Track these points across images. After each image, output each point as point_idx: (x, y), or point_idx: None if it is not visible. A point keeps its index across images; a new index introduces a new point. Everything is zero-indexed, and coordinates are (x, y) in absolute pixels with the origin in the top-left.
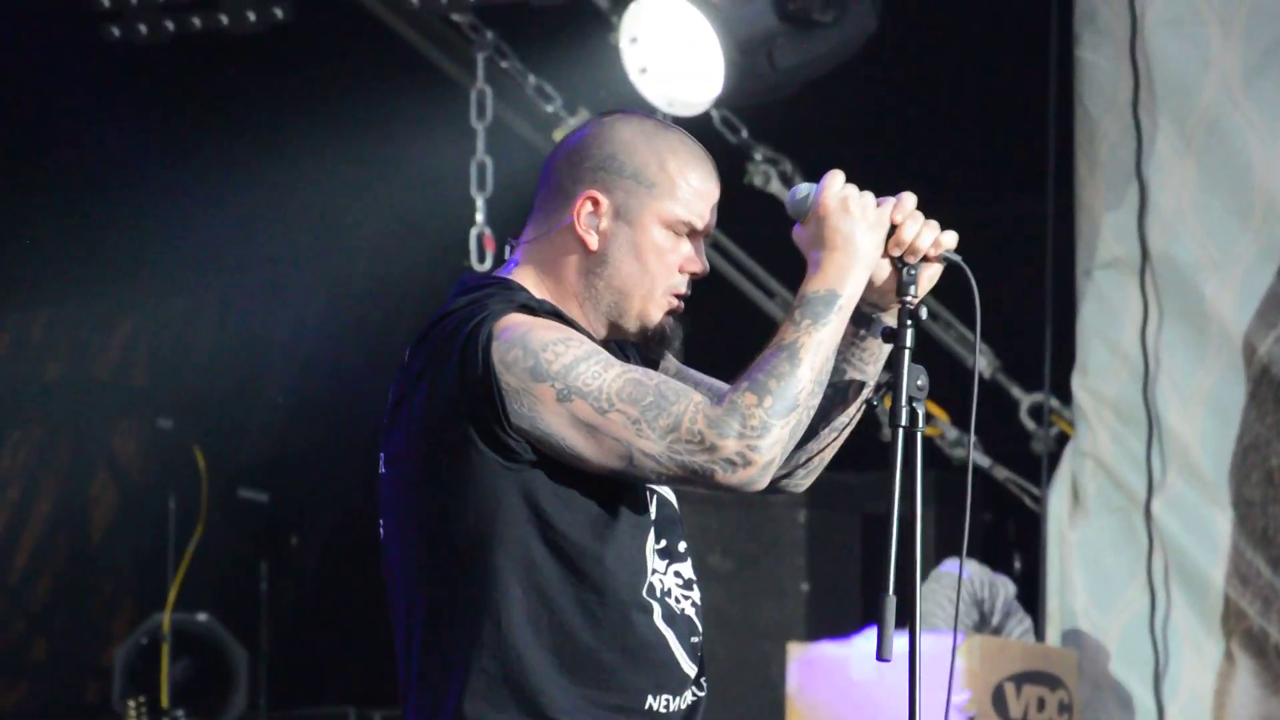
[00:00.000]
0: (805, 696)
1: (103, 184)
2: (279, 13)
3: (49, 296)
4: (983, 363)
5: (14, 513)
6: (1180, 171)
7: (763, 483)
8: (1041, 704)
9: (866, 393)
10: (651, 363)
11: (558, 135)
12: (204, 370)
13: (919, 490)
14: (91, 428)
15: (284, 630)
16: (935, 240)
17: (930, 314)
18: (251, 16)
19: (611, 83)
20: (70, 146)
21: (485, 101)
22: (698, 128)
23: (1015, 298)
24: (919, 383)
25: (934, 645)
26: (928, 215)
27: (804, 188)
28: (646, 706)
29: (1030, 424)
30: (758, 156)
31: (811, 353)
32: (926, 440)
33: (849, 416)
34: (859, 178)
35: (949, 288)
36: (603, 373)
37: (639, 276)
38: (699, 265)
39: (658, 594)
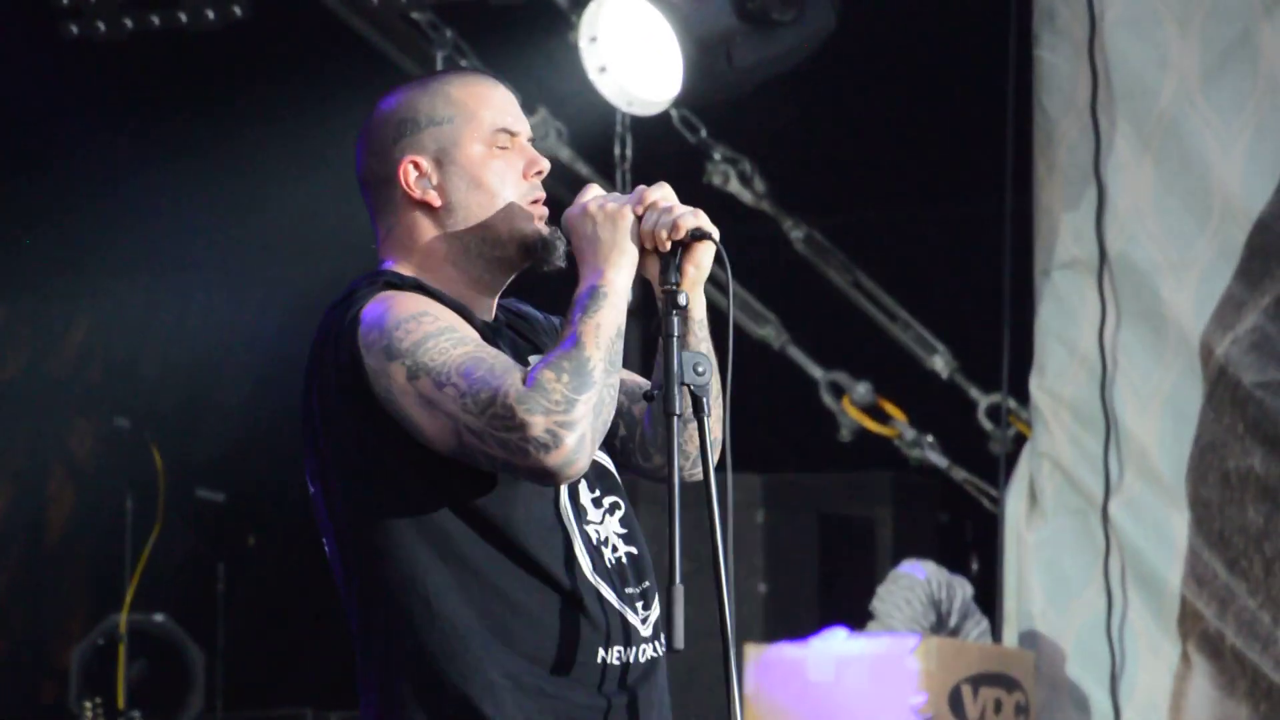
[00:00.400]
0: (763, 698)
1: (59, 181)
2: (237, 10)
3: (3, 294)
4: (939, 363)
5: None
6: (1138, 173)
7: (580, 464)
8: (999, 705)
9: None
10: (544, 274)
11: None
12: (161, 369)
13: (714, 481)
14: (48, 426)
15: (241, 631)
16: (674, 224)
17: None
18: (210, 14)
19: (570, 81)
20: (27, 143)
21: None
22: (657, 127)
23: (973, 298)
24: (698, 369)
25: (893, 646)
26: (887, 215)
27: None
28: (599, 659)
29: (988, 425)
30: (717, 156)
31: (592, 336)
32: (883, 441)
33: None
34: (817, 176)
35: (908, 287)
36: (451, 349)
37: (490, 200)
38: (539, 162)
39: (594, 543)
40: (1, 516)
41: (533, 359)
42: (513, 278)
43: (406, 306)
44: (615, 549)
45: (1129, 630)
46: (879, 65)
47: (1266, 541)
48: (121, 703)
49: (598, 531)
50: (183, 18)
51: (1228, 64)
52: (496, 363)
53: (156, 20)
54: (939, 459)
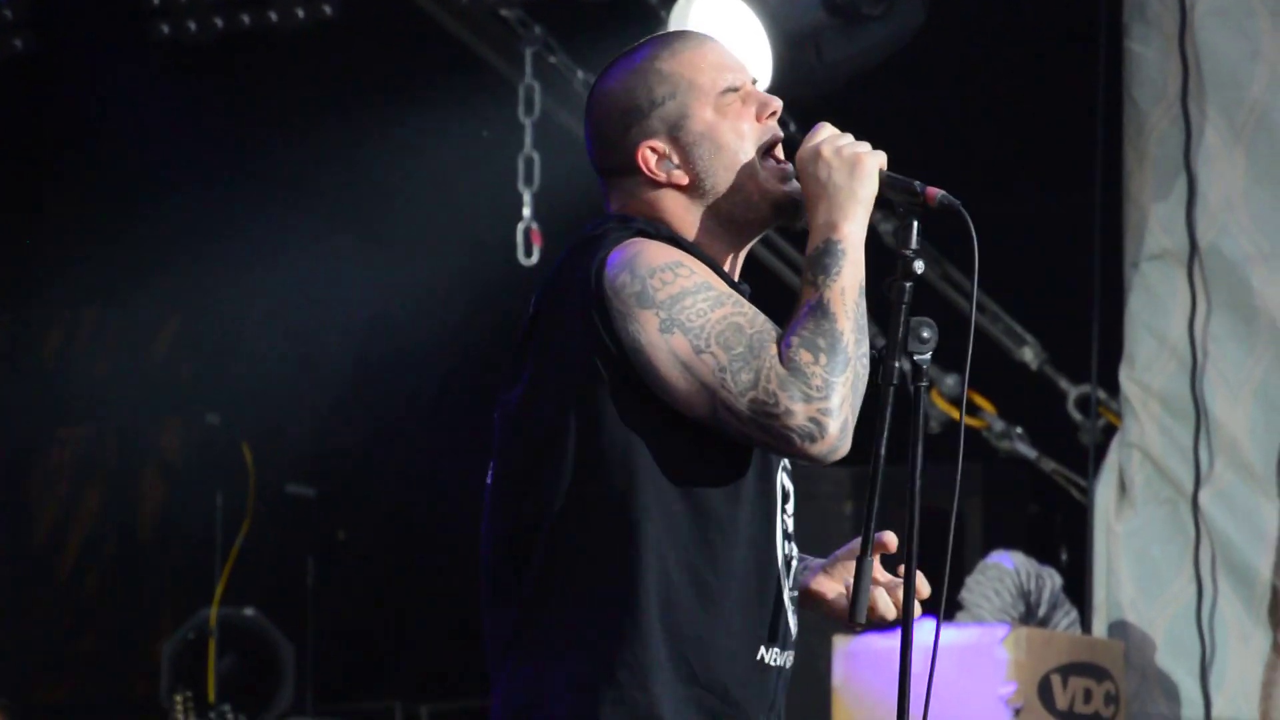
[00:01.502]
0: (852, 688)
1: (152, 181)
2: (327, 9)
3: (98, 293)
4: (1028, 354)
5: (63, 508)
6: (1229, 164)
7: (844, 449)
8: (1088, 695)
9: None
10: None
11: None
12: (251, 366)
13: (920, 448)
14: (139, 423)
15: (330, 625)
16: (926, 190)
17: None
18: (300, 13)
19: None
20: (120, 143)
21: (533, 96)
22: None
23: (1063, 290)
24: (923, 335)
25: (981, 637)
26: (977, 207)
27: None
28: (759, 656)
29: (1077, 415)
30: None
31: (839, 303)
32: (973, 433)
33: None
34: (906, 169)
35: (997, 280)
36: (709, 310)
37: (736, 158)
38: (771, 103)
39: (786, 533)
40: (94, 514)
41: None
42: (760, 237)
43: (661, 254)
44: (790, 546)
45: (1219, 620)
46: (968, 58)
47: None
48: (212, 696)
49: (786, 522)
50: (273, 17)
51: None
52: (755, 334)
53: (247, 20)
54: (1028, 450)
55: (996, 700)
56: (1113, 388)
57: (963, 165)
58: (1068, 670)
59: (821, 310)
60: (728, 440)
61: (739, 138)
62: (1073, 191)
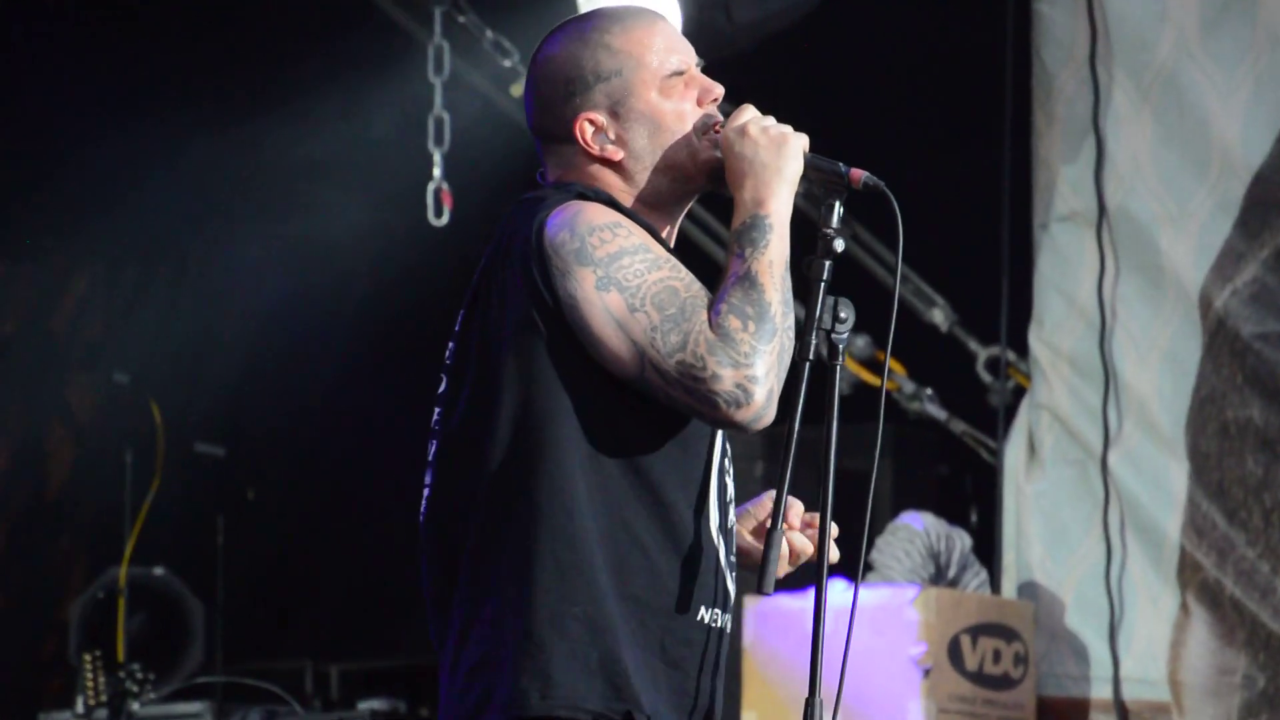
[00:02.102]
0: (761, 648)
1: (57, 139)
2: None
3: (4, 250)
4: (938, 316)
5: None
6: (1137, 125)
7: (768, 418)
8: (997, 656)
9: None
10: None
11: (515, 90)
12: (161, 324)
13: (834, 426)
14: (47, 382)
15: (241, 584)
16: (850, 171)
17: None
18: None
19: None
20: (23, 99)
21: (443, 56)
22: None
23: (972, 252)
24: (841, 315)
25: (891, 598)
26: (886, 170)
27: None
28: (699, 617)
29: (987, 377)
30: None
31: (767, 275)
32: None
33: None
34: (817, 132)
35: (906, 241)
36: (646, 271)
37: (674, 142)
38: (713, 89)
39: (724, 500)
40: (2, 472)
41: None
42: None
43: (601, 215)
44: (729, 510)
45: (1128, 580)
46: (878, 21)
47: (1265, 492)
48: (121, 655)
49: (726, 489)
50: None
51: (1227, 17)
52: (689, 298)
53: None
54: (938, 411)
55: (907, 660)
56: (1022, 349)
57: (872, 127)
58: (977, 631)
59: (750, 281)
60: (661, 403)
61: (679, 119)
62: (982, 153)
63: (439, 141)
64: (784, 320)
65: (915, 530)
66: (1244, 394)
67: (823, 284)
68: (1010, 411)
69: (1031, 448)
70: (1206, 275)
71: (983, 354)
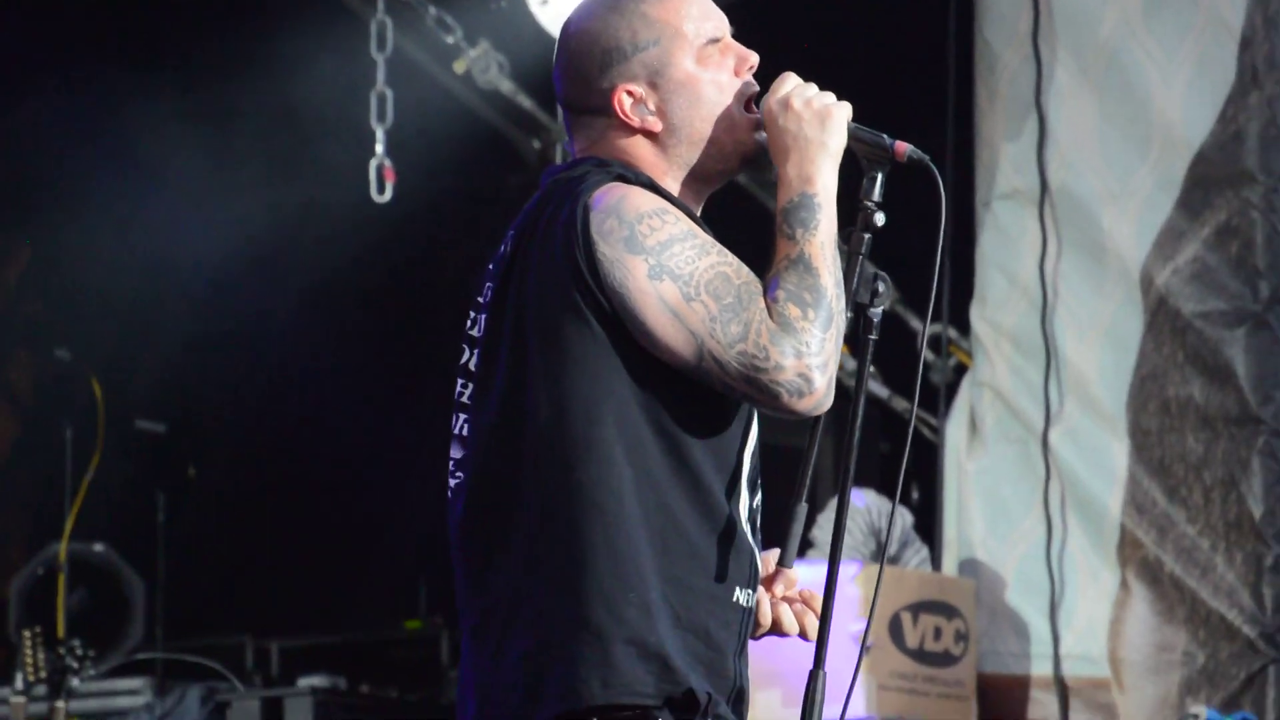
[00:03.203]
0: None
1: None
2: None
3: None
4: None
5: None
6: (1079, 103)
7: (828, 403)
8: (938, 633)
9: None
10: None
11: (458, 67)
12: (101, 301)
13: (862, 400)
14: None
15: (181, 560)
16: (895, 144)
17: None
18: None
19: (512, 13)
20: None
21: (385, 32)
22: None
23: (914, 229)
24: (879, 289)
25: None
26: None
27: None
28: (734, 598)
29: (929, 355)
30: None
31: (820, 257)
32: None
33: None
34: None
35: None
36: (697, 258)
37: (713, 112)
38: (749, 57)
39: (752, 481)
40: None
41: None
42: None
43: (646, 200)
44: (757, 491)
45: (1069, 558)
46: None
47: (1206, 469)
48: (61, 631)
49: (754, 469)
50: None
51: None
52: (742, 284)
53: None
54: (879, 389)
55: (847, 637)
56: (964, 327)
57: None
58: (918, 608)
59: (804, 264)
60: (705, 388)
61: (718, 90)
62: (924, 131)
63: (381, 118)
64: (838, 303)
65: (856, 507)
66: (1185, 372)
67: (861, 257)
68: (952, 389)
69: (973, 425)
70: (1148, 253)
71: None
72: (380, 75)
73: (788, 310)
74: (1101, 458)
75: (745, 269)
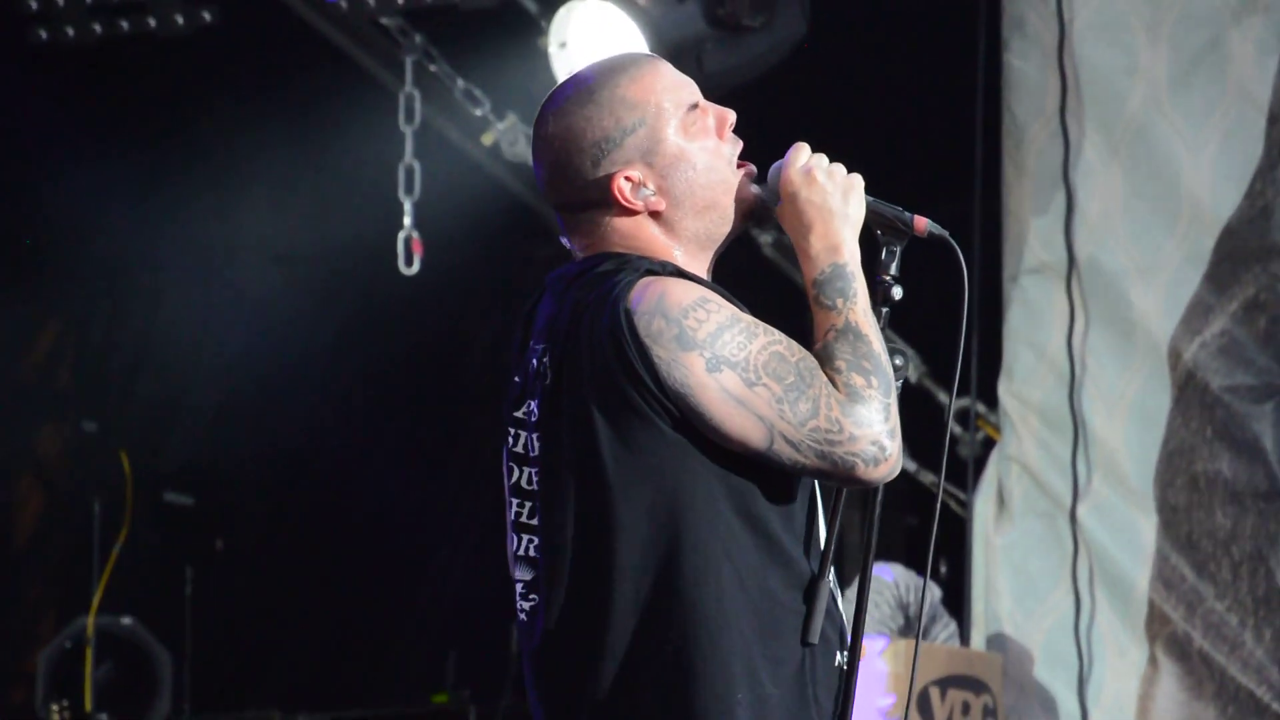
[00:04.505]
0: None
1: (29, 184)
2: (206, 15)
3: None
4: (911, 370)
5: None
6: (1107, 178)
7: (899, 468)
8: (966, 708)
9: None
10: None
11: (486, 139)
12: (129, 373)
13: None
14: (15, 430)
15: (208, 634)
16: (913, 218)
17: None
18: (179, 19)
19: (540, 87)
20: None
21: (413, 105)
22: None
23: (942, 303)
24: (896, 362)
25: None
26: None
27: (775, 167)
28: (837, 663)
29: (957, 429)
30: None
31: (867, 325)
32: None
33: None
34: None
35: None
36: (748, 342)
37: (710, 179)
38: (728, 115)
39: (830, 544)
40: None
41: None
42: None
43: (685, 293)
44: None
45: (1096, 633)
46: (849, 71)
47: (1234, 544)
48: (89, 705)
49: (827, 530)
50: (151, 23)
51: (1196, 71)
52: (798, 361)
53: (125, 25)
54: (907, 463)
55: (876, 712)
56: (992, 401)
57: None
58: (946, 683)
59: (854, 333)
60: (782, 471)
61: (710, 155)
62: (952, 205)
63: (409, 190)
64: (890, 368)
65: (884, 581)
66: (1213, 446)
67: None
68: (980, 464)
69: (1001, 500)
70: (1176, 328)
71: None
72: (408, 148)
73: (853, 380)
74: (1129, 533)
75: (794, 343)
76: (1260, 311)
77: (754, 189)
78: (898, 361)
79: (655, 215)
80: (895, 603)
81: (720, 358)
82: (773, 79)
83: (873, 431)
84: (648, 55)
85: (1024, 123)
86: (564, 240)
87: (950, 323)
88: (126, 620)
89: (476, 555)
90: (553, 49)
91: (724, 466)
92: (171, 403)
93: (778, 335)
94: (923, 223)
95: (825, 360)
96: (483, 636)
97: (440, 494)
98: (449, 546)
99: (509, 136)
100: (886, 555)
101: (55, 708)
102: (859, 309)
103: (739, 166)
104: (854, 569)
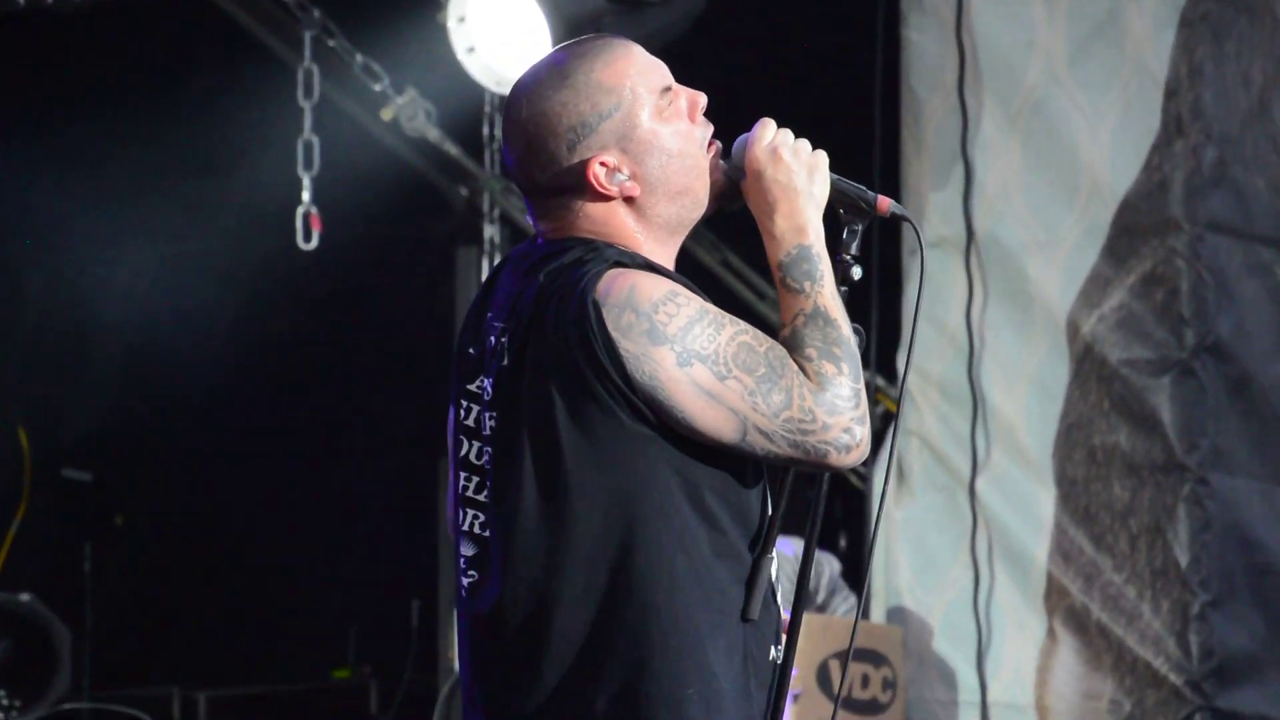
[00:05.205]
0: None
1: None
2: None
3: None
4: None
5: None
6: (1005, 152)
7: (867, 454)
8: (866, 681)
9: None
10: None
11: (385, 114)
12: (27, 349)
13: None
14: None
15: (108, 610)
16: (877, 198)
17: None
18: None
19: (439, 62)
20: None
21: (312, 80)
22: None
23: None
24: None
25: None
26: None
27: (740, 142)
28: (770, 657)
29: None
30: None
31: (835, 308)
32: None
33: None
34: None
35: None
36: (716, 335)
37: (684, 163)
38: (699, 98)
39: (772, 530)
40: None
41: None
42: None
43: (655, 286)
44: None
45: (996, 606)
46: (747, 46)
47: (1132, 517)
48: None
49: (773, 509)
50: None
51: (1094, 44)
52: (767, 350)
53: (21, 2)
54: None
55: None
56: (891, 375)
57: None
58: (846, 656)
59: (824, 318)
60: (738, 458)
61: (683, 139)
62: (851, 179)
63: (308, 165)
64: (858, 350)
65: (785, 555)
66: (1111, 420)
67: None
68: (879, 437)
69: (900, 473)
70: (1074, 301)
71: None
72: (307, 123)
73: (824, 368)
74: (1028, 506)
75: (760, 332)
76: (1158, 285)
77: (722, 165)
78: (861, 342)
79: (629, 201)
80: (797, 576)
81: (691, 351)
82: (672, 53)
83: (844, 419)
84: (620, 39)
85: (922, 97)
86: (531, 221)
87: (850, 298)
88: (25, 597)
89: (378, 530)
90: (451, 24)
91: (682, 460)
92: (68, 378)
93: (744, 325)
94: (885, 202)
95: (795, 347)
96: (384, 612)
97: (340, 469)
98: (350, 521)
99: (408, 111)
100: (787, 529)
101: None
102: (826, 292)
103: (710, 144)
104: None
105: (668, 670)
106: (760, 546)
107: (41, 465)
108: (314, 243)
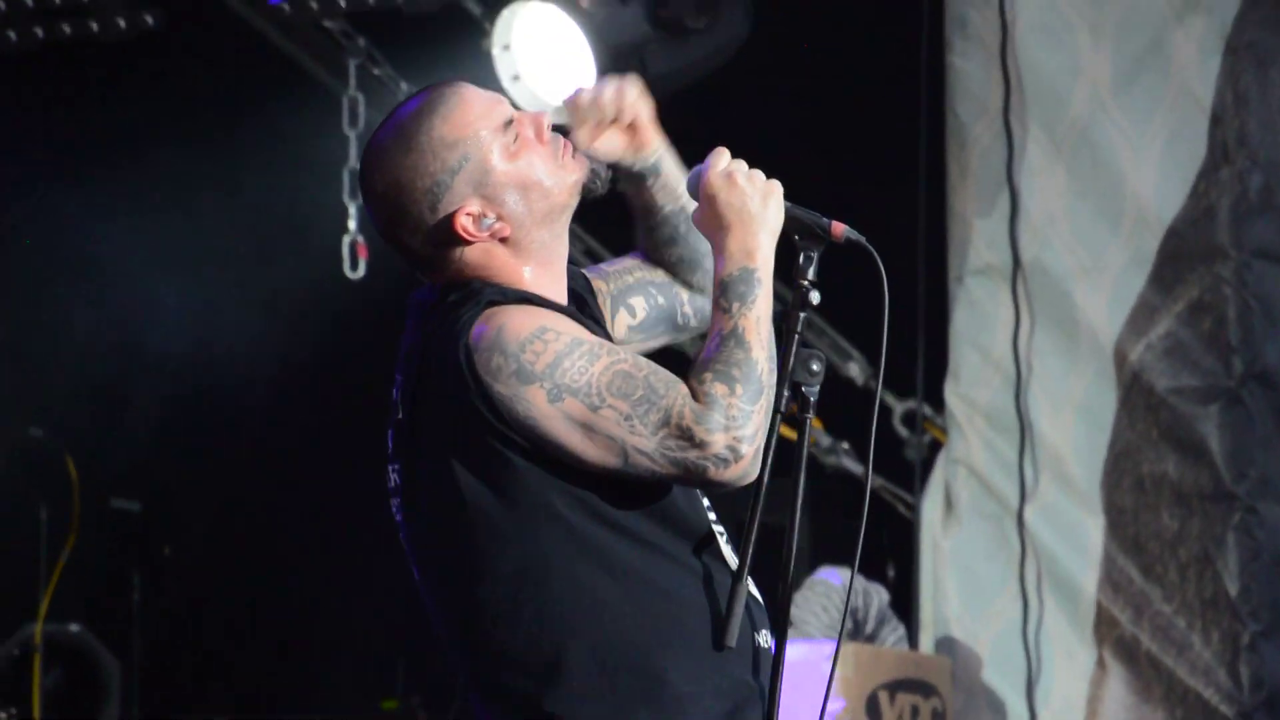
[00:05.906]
0: None
1: None
2: (149, 19)
3: None
4: (854, 370)
5: None
6: (1051, 178)
7: (754, 473)
8: (915, 711)
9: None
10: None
11: None
12: (75, 378)
13: (802, 479)
14: None
15: (156, 641)
16: (831, 223)
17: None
18: (121, 23)
19: (485, 87)
20: None
21: (357, 108)
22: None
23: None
24: (813, 368)
25: (810, 653)
26: None
27: (694, 172)
28: (754, 643)
29: (903, 431)
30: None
31: (754, 333)
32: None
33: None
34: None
35: (823, 295)
36: (589, 366)
37: (545, 188)
38: (540, 118)
39: (718, 529)
40: None
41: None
42: None
43: (523, 323)
44: (727, 543)
45: (1044, 636)
46: (792, 73)
47: (1181, 546)
48: (37, 713)
49: (714, 515)
50: (94, 26)
51: (1140, 71)
52: (647, 375)
53: (68, 29)
54: (854, 466)
55: (826, 717)
56: (938, 403)
57: (786, 180)
58: (895, 686)
59: (736, 339)
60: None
61: (537, 168)
62: (896, 206)
63: (354, 194)
64: (770, 376)
65: (833, 585)
66: (1159, 448)
67: (796, 336)
68: (927, 466)
69: (948, 502)
70: (1121, 329)
71: (899, 408)
72: (352, 151)
73: (714, 389)
74: (1076, 535)
75: (643, 359)
76: (1205, 313)
77: (581, 168)
78: (814, 366)
79: (503, 240)
80: (844, 607)
81: (561, 386)
82: (717, 81)
83: (726, 436)
84: (450, 86)
85: (967, 123)
86: (420, 275)
87: (895, 325)
88: (74, 627)
89: None
90: (496, 51)
91: (583, 486)
92: (117, 407)
93: (624, 354)
94: (840, 228)
95: (698, 368)
96: (433, 643)
97: (389, 499)
98: (398, 551)
99: None
100: (835, 560)
101: (3, 715)
102: (751, 316)
103: (564, 152)
104: (804, 572)
105: (609, 693)
106: (709, 557)
107: (90, 496)
108: (361, 271)
